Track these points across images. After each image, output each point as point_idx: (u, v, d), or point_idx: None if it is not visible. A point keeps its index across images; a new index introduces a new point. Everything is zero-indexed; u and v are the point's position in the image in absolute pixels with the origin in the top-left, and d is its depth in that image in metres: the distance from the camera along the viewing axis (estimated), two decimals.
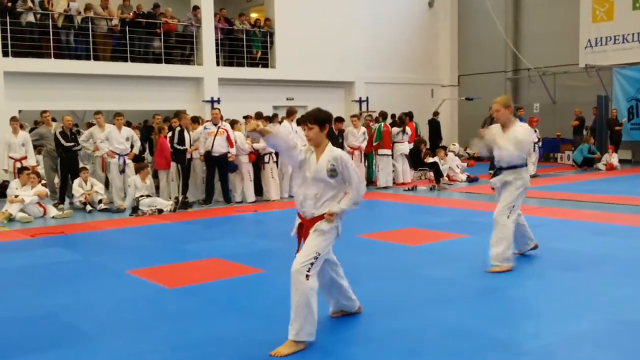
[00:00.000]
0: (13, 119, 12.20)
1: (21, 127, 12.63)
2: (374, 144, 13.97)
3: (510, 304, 5.23)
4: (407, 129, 14.90)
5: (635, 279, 5.77)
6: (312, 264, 4.24)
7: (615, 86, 19.34)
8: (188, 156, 11.88)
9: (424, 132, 18.56)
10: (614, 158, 17.40)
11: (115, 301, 5.56)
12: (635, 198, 10.78)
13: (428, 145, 16.28)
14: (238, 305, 5.30)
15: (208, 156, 11.82)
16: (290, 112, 12.90)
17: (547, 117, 20.23)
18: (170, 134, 11.92)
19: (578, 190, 12.58)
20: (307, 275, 4.21)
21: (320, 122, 4.42)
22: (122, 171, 11.88)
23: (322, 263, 4.36)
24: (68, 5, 15.25)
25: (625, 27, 19.27)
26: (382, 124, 14.26)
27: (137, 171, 11.68)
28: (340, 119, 13.61)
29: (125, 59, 16.07)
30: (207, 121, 12.71)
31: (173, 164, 11.91)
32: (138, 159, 12.48)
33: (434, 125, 18.90)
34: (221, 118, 12.15)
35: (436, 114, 19.27)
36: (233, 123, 12.44)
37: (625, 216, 9.39)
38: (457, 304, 5.14)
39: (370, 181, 13.87)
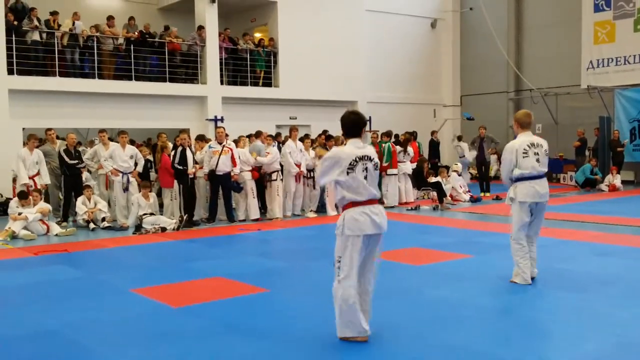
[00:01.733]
0: (33, 136, 12.20)
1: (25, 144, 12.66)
2: (385, 164, 13.83)
3: (517, 325, 5.20)
4: (409, 149, 14.94)
5: None
6: (338, 268, 4.63)
7: (617, 107, 19.38)
8: (191, 176, 11.86)
9: (427, 152, 18.69)
10: (616, 179, 17.40)
11: (119, 319, 5.54)
12: (639, 219, 10.77)
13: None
14: (243, 325, 5.27)
15: (212, 175, 11.84)
16: (291, 130, 13.00)
17: (549, 137, 19.96)
18: (173, 152, 11.94)
19: (581, 211, 12.57)
20: (338, 280, 4.62)
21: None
22: (126, 189, 11.90)
23: (353, 265, 4.57)
24: (73, 24, 15.38)
25: (627, 49, 19.38)
26: (390, 143, 14.24)
27: (140, 189, 11.72)
28: (330, 137, 13.61)
29: (129, 78, 16.17)
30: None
31: (176, 182, 11.93)
32: (143, 177, 12.50)
33: (432, 145, 19.05)
34: (226, 137, 12.19)
35: (432, 133, 19.38)
36: (236, 142, 12.48)
37: (629, 237, 9.38)
38: (462, 324, 5.12)
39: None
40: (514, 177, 6.51)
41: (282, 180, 12.47)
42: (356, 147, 4.69)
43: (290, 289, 6.70)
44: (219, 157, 11.75)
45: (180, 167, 11.64)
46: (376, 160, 4.76)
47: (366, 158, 4.67)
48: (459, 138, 18.85)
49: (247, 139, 13.12)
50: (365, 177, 4.63)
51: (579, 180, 17.77)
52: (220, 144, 11.94)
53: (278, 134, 14.81)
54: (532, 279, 6.49)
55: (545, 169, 6.54)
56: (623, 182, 17.77)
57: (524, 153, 6.44)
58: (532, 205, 6.45)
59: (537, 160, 6.45)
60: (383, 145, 14.07)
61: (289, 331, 5.03)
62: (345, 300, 4.59)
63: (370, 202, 4.64)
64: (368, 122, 20.48)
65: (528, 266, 6.43)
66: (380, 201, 4.76)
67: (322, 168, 4.74)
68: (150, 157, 13.55)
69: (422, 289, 6.40)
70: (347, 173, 4.59)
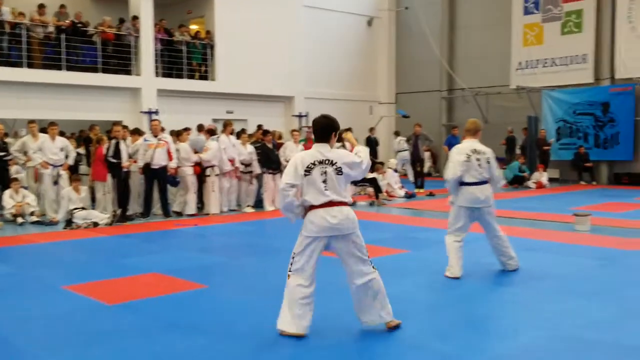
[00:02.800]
0: None
1: None
2: None
3: (454, 318, 5.32)
4: (347, 144, 15.04)
5: (571, 295, 5.97)
6: (291, 263, 4.77)
7: (545, 107, 20.15)
8: (125, 169, 11.59)
9: None
10: (543, 177, 18.09)
11: (52, 317, 5.36)
12: (566, 215, 11.20)
13: None
14: (182, 322, 5.19)
15: (147, 168, 11.60)
16: (226, 125, 12.90)
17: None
18: (107, 145, 11.65)
19: (510, 207, 12.95)
20: (288, 275, 4.75)
21: None
22: (56, 182, 11.53)
23: (302, 262, 4.71)
24: None
25: (554, 51, 20.16)
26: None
27: (70, 182, 11.38)
28: (267, 132, 13.56)
29: (60, 67, 15.62)
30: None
31: (110, 176, 11.63)
32: (73, 170, 12.13)
33: (369, 142, 19.28)
34: (162, 130, 11.96)
35: (370, 130, 19.62)
36: (179, 134, 12.26)
37: (555, 233, 9.74)
38: (402, 318, 5.17)
39: None
40: (466, 182, 6.70)
41: (217, 175, 12.34)
42: (319, 151, 4.74)
43: (229, 285, 6.65)
44: (155, 151, 11.54)
45: (114, 160, 11.36)
46: (340, 164, 4.71)
47: (327, 162, 4.69)
48: (397, 134, 19.26)
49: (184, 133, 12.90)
50: (325, 181, 4.67)
51: (507, 177, 18.36)
52: (155, 137, 11.72)
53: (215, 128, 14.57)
54: (514, 270, 6.86)
55: (487, 176, 6.72)
56: (549, 179, 18.49)
57: (465, 159, 6.62)
58: (472, 210, 6.68)
59: (480, 166, 6.66)
60: None
61: (231, 328, 4.99)
62: (291, 295, 4.69)
63: (327, 204, 4.68)
64: (305, 118, 20.53)
65: (457, 261, 6.63)
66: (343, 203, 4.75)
67: (285, 171, 4.80)
68: (80, 150, 13.16)
69: None
70: (304, 175, 4.67)
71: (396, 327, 4.86)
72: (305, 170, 4.68)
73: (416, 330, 4.91)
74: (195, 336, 4.80)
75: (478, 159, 6.67)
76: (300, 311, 4.67)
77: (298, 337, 4.64)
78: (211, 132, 12.93)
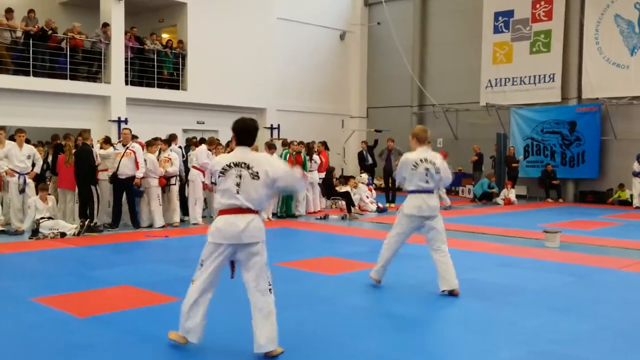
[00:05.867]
0: None
1: None
2: None
3: (432, 333, 5.32)
4: (316, 157, 15.04)
5: (545, 309, 6.02)
6: (198, 269, 4.69)
7: (513, 125, 20.45)
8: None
9: (337, 163, 18.74)
10: (511, 193, 18.32)
11: (21, 330, 5.19)
12: (535, 232, 11.35)
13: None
14: (157, 335, 5.06)
15: (115, 178, 11.39)
16: (212, 142, 12.82)
17: (449, 152, 20.98)
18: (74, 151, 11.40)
19: (480, 223, 13.10)
20: (192, 281, 4.74)
21: None
22: (22, 191, 11.23)
23: (201, 270, 4.66)
24: None
25: (523, 69, 20.52)
26: (288, 152, 14.24)
27: (37, 191, 11.10)
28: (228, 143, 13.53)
29: (27, 73, 15.29)
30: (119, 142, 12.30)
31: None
32: (39, 179, 11.83)
33: (361, 157, 19.06)
34: (132, 138, 11.78)
35: (362, 143, 19.58)
36: (149, 144, 12.08)
37: (527, 249, 9.85)
38: (378, 333, 5.18)
39: (290, 214, 13.90)
40: (407, 190, 6.70)
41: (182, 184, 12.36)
42: (236, 154, 4.59)
43: None
44: (120, 160, 11.34)
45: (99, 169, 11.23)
46: (257, 169, 4.45)
47: (243, 165, 4.48)
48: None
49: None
50: (238, 184, 4.46)
51: (477, 193, 18.57)
52: (124, 146, 11.53)
53: (173, 136, 14.02)
54: (452, 291, 6.50)
55: (433, 185, 6.59)
56: (516, 196, 18.72)
57: (413, 166, 6.57)
58: (420, 218, 6.58)
59: (426, 175, 6.55)
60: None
61: (206, 341, 4.88)
62: (186, 300, 4.66)
63: (233, 210, 4.49)
64: (277, 130, 20.46)
65: (382, 261, 6.83)
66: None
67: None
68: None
69: (337, 298, 6.42)
70: (218, 177, 4.55)
71: (274, 357, 4.50)
72: (220, 172, 4.52)
73: (394, 346, 4.87)
74: (172, 350, 4.69)
75: (427, 168, 6.53)
76: (187, 318, 4.64)
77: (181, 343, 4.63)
78: (169, 143, 12.83)
